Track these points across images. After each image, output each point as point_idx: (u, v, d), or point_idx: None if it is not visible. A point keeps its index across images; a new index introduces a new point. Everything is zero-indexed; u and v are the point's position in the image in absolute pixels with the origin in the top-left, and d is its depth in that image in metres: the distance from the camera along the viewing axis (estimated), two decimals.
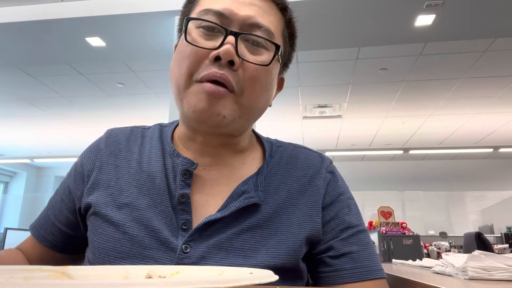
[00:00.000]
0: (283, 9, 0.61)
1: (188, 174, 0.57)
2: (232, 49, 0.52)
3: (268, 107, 0.63)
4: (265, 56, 0.56)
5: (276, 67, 0.59)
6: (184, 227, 0.54)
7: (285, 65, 0.66)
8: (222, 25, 0.55)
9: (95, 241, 0.57)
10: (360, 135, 6.52)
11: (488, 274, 1.03)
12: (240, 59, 0.53)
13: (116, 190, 0.59)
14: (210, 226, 0.54)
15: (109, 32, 3.20)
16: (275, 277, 0.32)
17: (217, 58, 0.53)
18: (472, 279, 1.04)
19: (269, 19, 0.57)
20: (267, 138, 0.70)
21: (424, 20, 2.99)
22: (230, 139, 0.61)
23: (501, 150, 6.65)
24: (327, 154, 6.49)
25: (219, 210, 0.55)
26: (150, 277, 0.40)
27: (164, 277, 0.40)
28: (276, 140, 0.70)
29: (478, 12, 2.88)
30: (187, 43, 0.55)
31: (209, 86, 0.52)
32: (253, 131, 0.68)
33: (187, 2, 0.63)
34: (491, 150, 6.71)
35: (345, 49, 3.74)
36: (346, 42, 3.42)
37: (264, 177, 0.60)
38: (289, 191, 0.60)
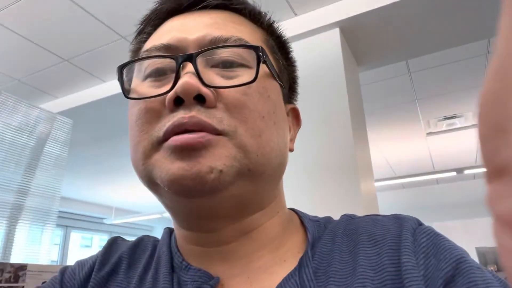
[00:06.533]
0: (253, 15, 0.41)
1: None
2: (193, 79, 0.33)
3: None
4: (246, 75, 0.35)
5: (273, 86, 0.38)
6: None
7: (290, 89, 0.44)
8: (169, 55, 0.36)
9: None
10: None
11: None
12: (211, 88, 0.34)
13: None
14: None
15: None
16: None
17: (179, 101, 0.33)
18: None
19: (237, 28, 0.38)
20: (314, 217, 0.43)
21: None
22: (249, 221, 0.37)
23: None
24: (465, 172, 4.43)
25: None
26: None
27: None
28: (327, 217, 0.43)
29: None
30: (133, 102, 0.36)
31: (178, 138, 0.32)
32: (295, 210, 0.43)
33: (131, 53, 0.43)
34: None
35: (472, 44, 2.36)
36: (475, 35, 2.28)
37: (313, 268, 0.35)
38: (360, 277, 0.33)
